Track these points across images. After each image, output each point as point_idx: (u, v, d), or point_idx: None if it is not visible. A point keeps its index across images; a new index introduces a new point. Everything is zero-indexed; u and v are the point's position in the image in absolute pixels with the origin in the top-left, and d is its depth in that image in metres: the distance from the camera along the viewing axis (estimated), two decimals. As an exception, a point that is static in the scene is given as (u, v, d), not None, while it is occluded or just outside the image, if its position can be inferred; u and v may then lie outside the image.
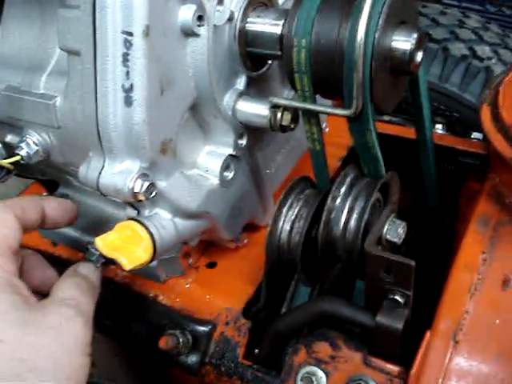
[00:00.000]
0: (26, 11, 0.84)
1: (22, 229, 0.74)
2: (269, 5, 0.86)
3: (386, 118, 1.50)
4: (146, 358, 0.99)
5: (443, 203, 1.11)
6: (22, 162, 0.85)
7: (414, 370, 0.77)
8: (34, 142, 0.85)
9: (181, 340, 0.90)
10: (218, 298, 0.96)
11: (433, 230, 1.14)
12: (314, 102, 0.80)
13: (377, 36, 0.70)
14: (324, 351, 0.84)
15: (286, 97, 0.98)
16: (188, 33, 0.74)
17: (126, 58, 0.69)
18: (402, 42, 0.73)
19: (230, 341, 0.91)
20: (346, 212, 0.81)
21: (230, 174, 0.89)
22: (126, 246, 0.76)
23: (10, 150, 0.87)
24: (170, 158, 0.78)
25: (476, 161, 1.14)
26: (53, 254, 1.08)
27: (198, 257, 1.04)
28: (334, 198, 0.82)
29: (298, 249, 0.82)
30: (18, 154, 0.84)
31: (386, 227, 0.79)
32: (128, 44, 0.68)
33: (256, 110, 0.84)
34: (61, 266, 1.04)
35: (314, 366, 0.83)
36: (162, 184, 0.78)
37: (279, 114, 0.83)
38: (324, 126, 1.12)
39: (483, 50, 1.59)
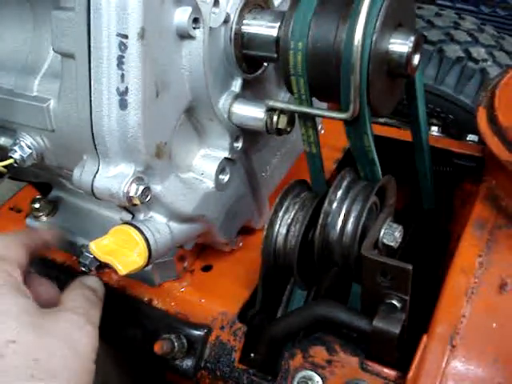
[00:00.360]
0: (19, 13, 0.83)
1: (32, 254, 0.81)
2: (265, 7, 0.85)
3: (382, 120, 1.49)
4: (142, 362, 0.99)
5: (438, 205, 1.11)
6: (15, 165, 0.84)
7: (410, 375, 0.77)
8: (27, 145, 0.85)
9: (176, 344, 0.89)
10: (214, 301, 0.96)
11: (428, 233, 1.14)
12: (311, 105, 0.80)
13: (374, 39, 0.70)
14: (320, 355, 0.83)
15: (282, 99, 0.98)
16: (183, 35, 0.74)
17: (120, 61, 0.68)
18: (399, 44, 0.73)
19: (226, 345, 0.90)
20: (342, 216, 0.81)
21: (225, 178, 0.88)
22: (121, 250, 0.75)
23: (3, 152, 0.86)
24: (165, 161, 0.78)
25: (471, 163, 1.14)
26: (47, 258, 1.07)
27: (193, 260, 1.03)
28: (331, 202, 0.81)
29: (294, 253, 0.82)
30: (12, 157, 0.84)
31: (382, 231, 0.79)
32: (123, 47, 0.67)
33: (252, 112, 0.83)
34: (55, 269, 1.04)
35: (311, 370, 0.82)
36: (157, 188, 0.77)
37: (275, 117, 0.82)
38: (320, 127, 1.12)
39: (478, 52, 1.59)
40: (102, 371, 1.10)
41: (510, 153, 0.89)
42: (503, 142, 0.91)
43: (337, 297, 0.92)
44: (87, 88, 0.71)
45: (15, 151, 0.84)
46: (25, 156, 0.84)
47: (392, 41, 0.73)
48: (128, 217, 0.81)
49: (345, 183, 0.83)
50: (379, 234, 0.79)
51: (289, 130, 0.84)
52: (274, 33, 0.79)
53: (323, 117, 0.79)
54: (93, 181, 0.75)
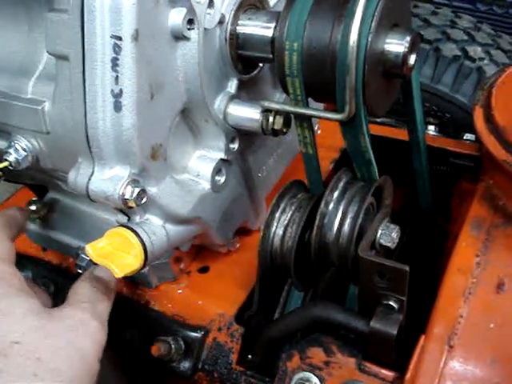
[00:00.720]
0: (13, 15, 0.82)
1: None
2: (260, 7, 0.85)
3: (378, 119, 1.49)
4: (139, 364, 0.98)
5: (435, 205, 1.11)
6: (10, 167, 0.83)
7: (408, 375, 0.77)
8: (22, 148, 0.84)
9: (173, 346, 0.89)
10: (211, 303, 0.95)
11: (425, 232, 1.14)
12: (307, 105, 0.79)
13: (370, 39, 0.70)
14: (318, 357, 0.83)
15: (277, 100, 0.97)
16: (178, 36, 0.73)
17: (115, 63, 0.68)
18: (395, 45, 0.73)
19: (223, 347, 0.90)
20: (339, 217, 0.80)
21: (221, 179, 0.88)
22: (117, 252, 0.75)
23: (-2, 155, 0.86)
24: (160, 163, 0.77)
25: (468, 162, 1.13)
26: (43, 260, 1.06)
27: (189, 262, 1.03)
28: (327, 203, 0.81)
29: (291, 254, 0.82)
30: (7, 160, 0.83)
31: (379, 232, 0.79)
32: (117, 48, 0.67)
33: (247, 113, 0.83)
34: (51, 271, 1.04)
35: (308, 371, 0.82)
36: (152, 190, 0.77)
37: (271, 118, 0.82)
38: (316, 127, 1.11)
39: (475, 51, 1.58)
40: (99, 373, 1.10)
41: (506, 152, 0.89)
42: (500, 141, 0.91)
43: (334, 298, 0.92)
44: (81, 90, 0.70)
45: (10, 154, 0.83)
46: (20, 159, 0.84)
47: (388, 41, 0.73)
48: (124, 219, 0.81)
49: (341, 184, 0.83)
50: (376, 234, 0.78)
51: (285, 130, 0.84)
52: (269, 33, 0.79)
53: (319, 118, 0.78)
54: (88, 183, 0.74)
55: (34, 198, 1.04)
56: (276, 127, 0.82)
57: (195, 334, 0.92)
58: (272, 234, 0.83)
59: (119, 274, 0.73)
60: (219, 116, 0.83)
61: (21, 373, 0.64)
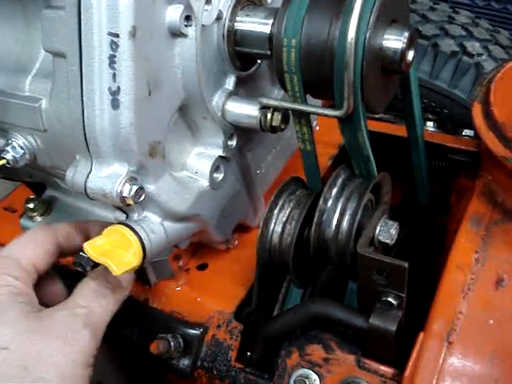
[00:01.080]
0: (10, 12, 0.82)
1: (57, 253, 0.79)
2: (257, 3, 0.85)
3: (377, 115, 1.49)
4: (138, 361, 0.98)
5: (434, 201, 1.11)
6: (8, 165, 0.83)
7: (407, 372, 0.77)
8: (19, 146, 0.84)
9: (172, 344, 0.89)
10: (210, 300, 0.95)
11: (424, 228, 1.13)
12: (305, 102, 0.79)
13: (368, 35, 0.70)
14: (317, 354, 0.83)
15: (275, 96, 0.97)
16: (176, 33, 0.73)
17: (112, 60, 0.67)
18: (393, 40, 0.73)
19: (222, 344, 0.90)
20: (338, 213, 0.80)
21: (219, 176, 0.88)
22: (115, 250, 0.74)
23: (-4, 153, 0.86)
24: (158, 160, 0.77)
25: (467, 158, 1.13)
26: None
27: (188, 259, 1.03)
28: (326, 200, 0.81)
29: (290, 251, 0.81)
30: (4, 158, 0.83)
31: (378, 228, 0.79)
32: (114, 46, 0.66)
33: (245, 110, 0.83)
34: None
35: (308, 368, 0.82)
36: (150, 187, 0.77)
37: (269, 115, 0.82)
38: (314, 124, 1.11)
39: (473, 46, 1.58)
40: (97, 371, 1.10)
41: (505, 148, 0.89)
42: (499, 137, 0.91)
43: (333, 295, 0.92)
44: (79, 88, 0.70)
45: (7, 152, 0.83)
46: (17, 156, 0.84)
47: (386, 37, 0.73)
48: (122, 216, 0.80)
49: (340, 181, 0.83)
50: (375, 231, 0.78)
51: (283, 127, 0.84)
52: (267, 30, 0.78)
53: (317, 114, 0.78)
54: (86, 181, 0.74)
55: (31, 196, 1.03)
56: (274, 124, 0.82)
57: (194, 332, 0.92)
58: (271, 231, 0.83)
59: (117, 271, 0.73)
60: (217, 113, 0.83)
61: (5, 380, 0.63)
